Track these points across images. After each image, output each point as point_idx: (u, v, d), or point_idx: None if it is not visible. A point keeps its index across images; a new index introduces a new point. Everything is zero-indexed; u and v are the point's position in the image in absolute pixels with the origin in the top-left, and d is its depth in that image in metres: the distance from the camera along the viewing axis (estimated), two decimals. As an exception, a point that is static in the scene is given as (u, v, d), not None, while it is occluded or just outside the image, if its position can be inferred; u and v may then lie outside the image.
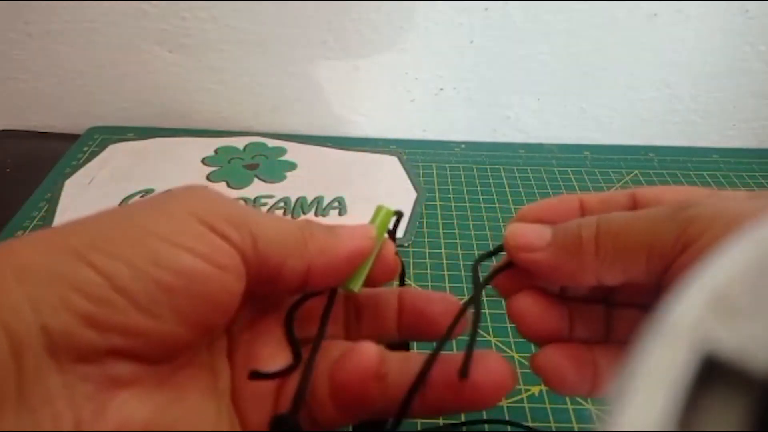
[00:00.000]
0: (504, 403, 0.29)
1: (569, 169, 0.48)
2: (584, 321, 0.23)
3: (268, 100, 0.51)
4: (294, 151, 0.48)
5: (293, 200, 0.43)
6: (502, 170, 0.48)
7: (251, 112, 0.51)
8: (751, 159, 0.50)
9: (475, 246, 0.39)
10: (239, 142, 0.49)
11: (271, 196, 0.43)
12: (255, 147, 0.49)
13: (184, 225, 0.18)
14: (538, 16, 0.46)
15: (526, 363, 0.31)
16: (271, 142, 0.49)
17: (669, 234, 0.18)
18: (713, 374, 0.09)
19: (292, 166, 0.47)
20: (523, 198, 0.44)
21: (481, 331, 0.33)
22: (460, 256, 0.38)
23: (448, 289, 0.36)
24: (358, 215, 0.37)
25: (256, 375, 0.20)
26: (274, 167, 0.46)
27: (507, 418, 0.28)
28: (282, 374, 0.20)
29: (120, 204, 0.41)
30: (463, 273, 0.37)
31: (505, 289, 0.23)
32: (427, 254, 0.38)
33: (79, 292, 0.16)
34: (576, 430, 0.28)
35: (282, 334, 0.22)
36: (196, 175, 0.45)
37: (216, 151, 0.48)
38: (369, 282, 0.22)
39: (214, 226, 0.18)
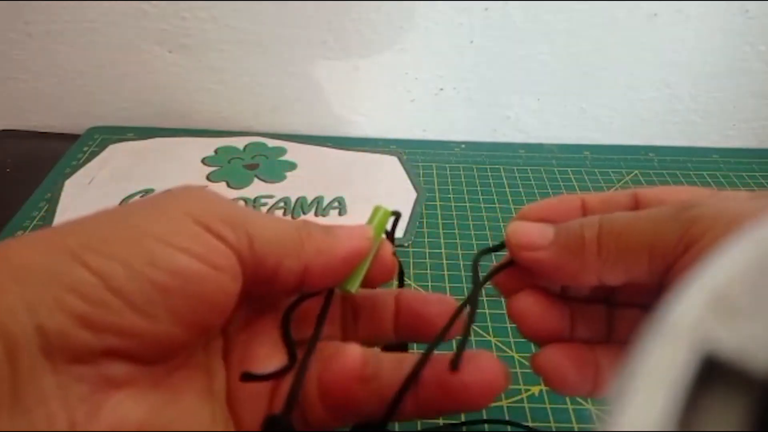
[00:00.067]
0: (504, 403, 0.29)
1: (569, 169, 0.48)
2: (585, 321, 0.23)
3: (268, 100, 0.51)
4: (294, 151, 0.48)
5: (293, 200, 0.43)
6: (502, 170, 0.48)
7: (251, 112, 0.51)
8: (751, 159, 0.50)
9: (475, 246, 0.39)
10: (239, 142, 0.49)
11: (271, 196, 0.43)
12: (255, 147, 0.49)
13: (180, 225, 0.18)
14: (538, 16, 0.46)
15: (526, 363, 0.31)
16: (271, 142, 0.49)
17: (671, 234, 0.18)
18: (713, 374, 0.09)
19: (292, 166, 0.47)
20: (523, 198, 0.44)
21: (481, 331, 0.33)
22: (460, 256, 0.38)
23: (447, 289, 0.36)
24: (358, 215, 0.37)
25: (248, 377, 0.20)
26: (274, 167, 0.46)
27: (507, 418, 0.28)
28: (274, 376, 0.20)
29: (120, 204, 0.41)
30: (463, 273, 0.37)
31: (505, 288, 0.23)
32: (427, 254, 0.38)
33: (74, 292, 0.16)
34: (576, 430, 0.28)
35: (278, 334, 0.22)
36: (196, 175, 0.45)
37: (216, 151, 0.48)
38: (367, 283, 0.22)
39: (210, 227, 0.18)
